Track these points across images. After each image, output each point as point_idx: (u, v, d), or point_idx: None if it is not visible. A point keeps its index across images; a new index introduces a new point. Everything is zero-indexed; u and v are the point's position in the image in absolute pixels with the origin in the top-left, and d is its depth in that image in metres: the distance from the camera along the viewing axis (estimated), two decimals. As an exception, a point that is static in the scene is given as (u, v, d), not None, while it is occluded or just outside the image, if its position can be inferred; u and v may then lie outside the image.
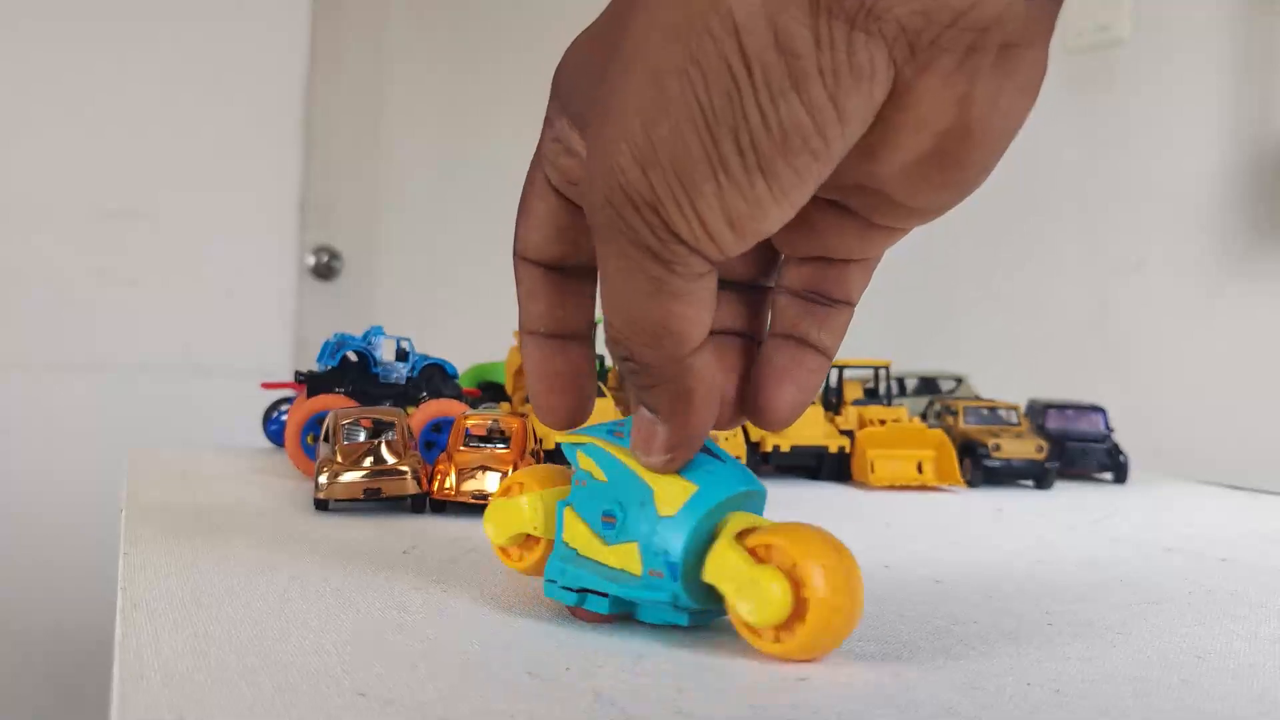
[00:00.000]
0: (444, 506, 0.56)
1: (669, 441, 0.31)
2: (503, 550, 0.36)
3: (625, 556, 0.31)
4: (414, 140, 2.10)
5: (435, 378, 0.72)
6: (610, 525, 0.31)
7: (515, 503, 0.35)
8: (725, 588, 0.30)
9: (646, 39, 0.26)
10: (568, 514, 0.33)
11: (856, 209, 0.31)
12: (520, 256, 0.34)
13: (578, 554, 0.32)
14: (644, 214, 0.27)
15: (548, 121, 0.32)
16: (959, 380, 0.97)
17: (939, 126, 0.26)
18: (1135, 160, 1.45)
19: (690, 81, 0.25)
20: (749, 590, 0.30)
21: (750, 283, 0.34)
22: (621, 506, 0.31)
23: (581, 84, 0.30)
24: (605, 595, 0.32)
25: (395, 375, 0.70)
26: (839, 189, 0.29)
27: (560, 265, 0.34)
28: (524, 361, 0.35)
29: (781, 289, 0.33)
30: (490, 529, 0.36)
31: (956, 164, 0.27)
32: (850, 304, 0.33)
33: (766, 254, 0.34)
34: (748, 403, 0.34)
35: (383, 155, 2.08)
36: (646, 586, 0.31)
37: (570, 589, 0.33)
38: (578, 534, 0.32)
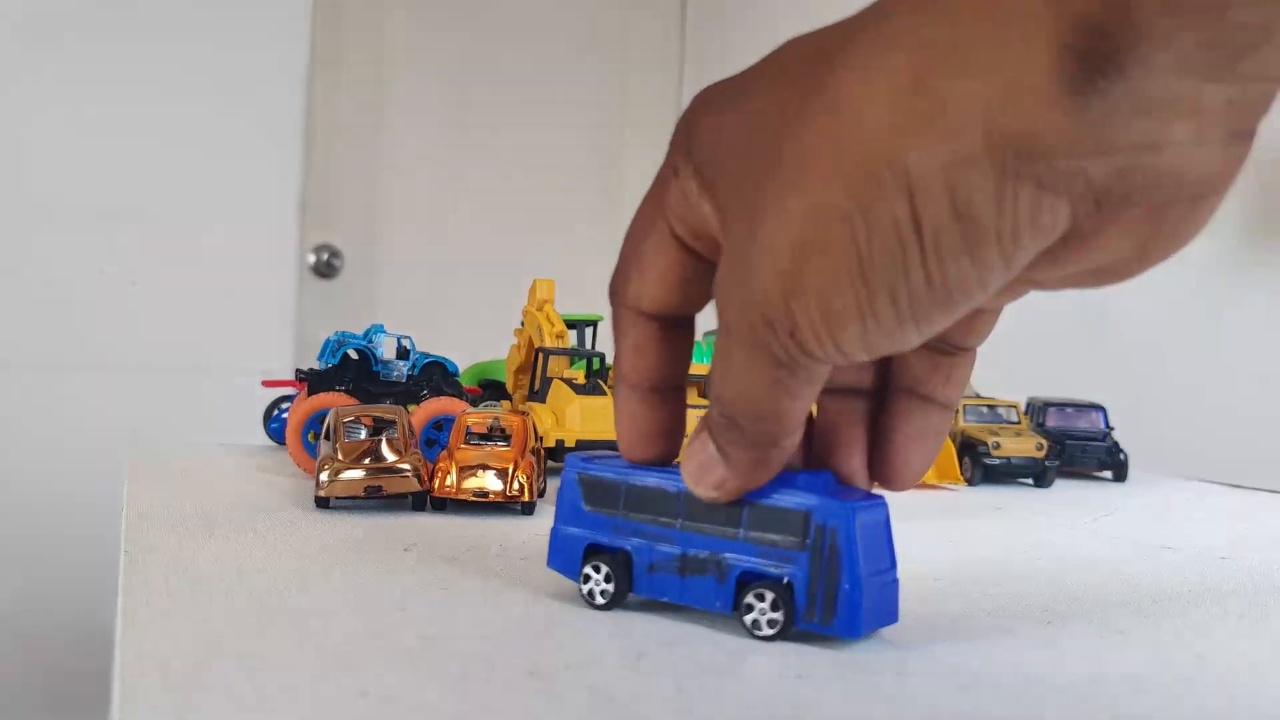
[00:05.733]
0: (445, 504, 0.56)
1: (726, 485, 0.32)
2: None
3: None
4: (414, 140, 2.10)
5: (436, 376, 0.72)
6: None
7: None
8: None
9: (813, 166, 0.25)
10: None
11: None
12: (633, 309, 0.33)
13: None
14: (779, 334, 0.26)
15: (673, 171, 0.31)
16: (959, 379, 0.97)
17: (1110, 259, 0.26)
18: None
19: (853, 230, 0.24)
20: None
21: None
22: None
23: (722, 159, 0.28)
24: None
25: (396, 373, 0.70)
26: None
27: (672, 316, 0.33)
28: (618, 413, 0.35)
29: None
30: None
31: (1114, 277, 0.27)
32: (974, 349, 0.32)
33: None
34: (875, 465, 0.34)
35: (383, 155, 2.08)
36: None
37: None
38: None
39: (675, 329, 0.34)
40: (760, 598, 0.34)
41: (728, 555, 0.34)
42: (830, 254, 0.25)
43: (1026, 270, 0.26)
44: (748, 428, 0.30)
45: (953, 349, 0.32)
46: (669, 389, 0.34)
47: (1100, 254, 0.25)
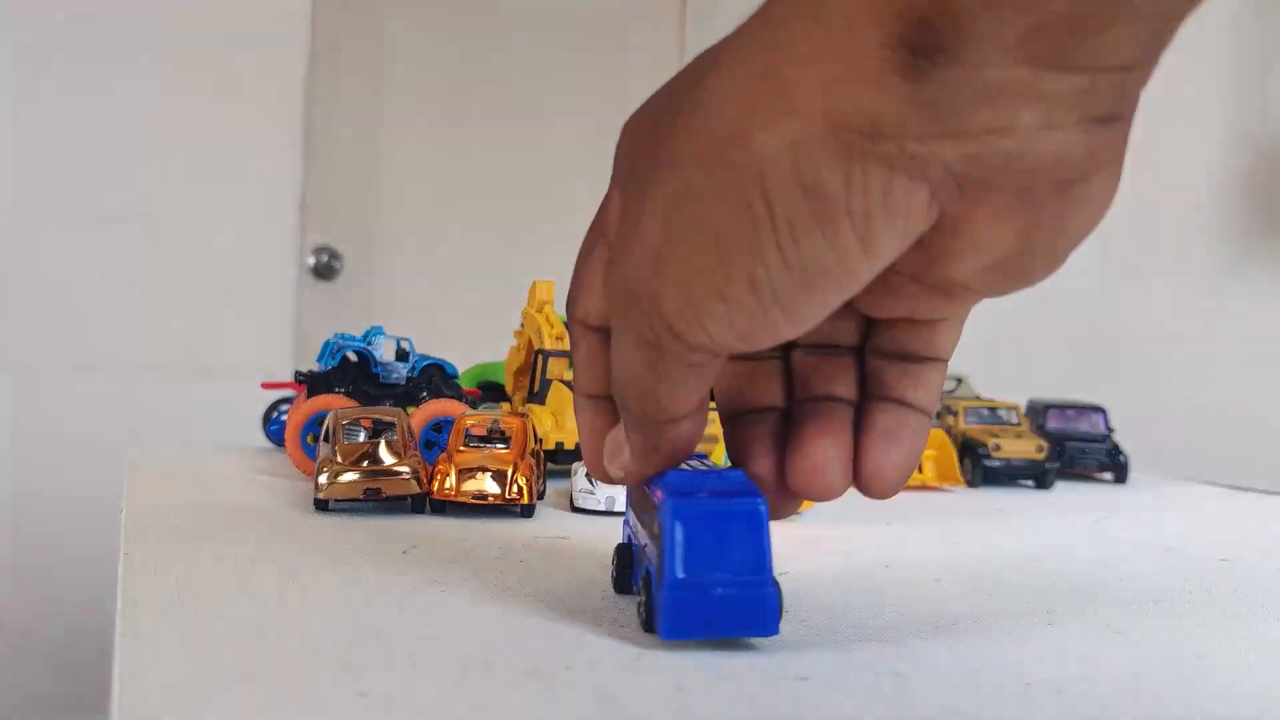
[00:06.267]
0: (444, 507, 0.56)
1: (628, 466, 0.33)
2: None
3: None
4: (414, 140, 2.10)
5: (435, 378, 0.72)
6: None
7: None
8: None
9: (679, 156, 0.26)
10: None
11: (934, 286, 0.29)
12: (580, 323, 0.34)
13: None
14: (649, 315, 0.27)
15: (609, 192, 0.32)
16: (959, 380, 0.97)
17: (998, 251, 0.26)
18: (1134, 160, 1.45)
19: (710, 212, 0.25)
20: None
21: (844, 346, 0.33)
22: None
23: (634, 164, 0.30)
24: None
25: (395, 375, 0.70)
26: (910, 276, 0.28)
27: None
28: (578, 421, 0.35)
29: (873, 350, 0.33)
30: None
31: (1022, 273, 0.27)
32: (943, 360, 0.32)
33: (856, 319, 0.33)
34: (858, 479, 0.33)
35: (383, 155, 2.08)
36: None
37: None
38: None
39: None
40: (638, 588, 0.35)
41: (645, 546, 0.35)
42: (691, 236, 0.26)
43: (929, 266, 0.27)
44: (632, 407, 0.31)
45: (919, 358, 0.32)
46: None
47: (985, 244, 0.26)
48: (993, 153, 0.23)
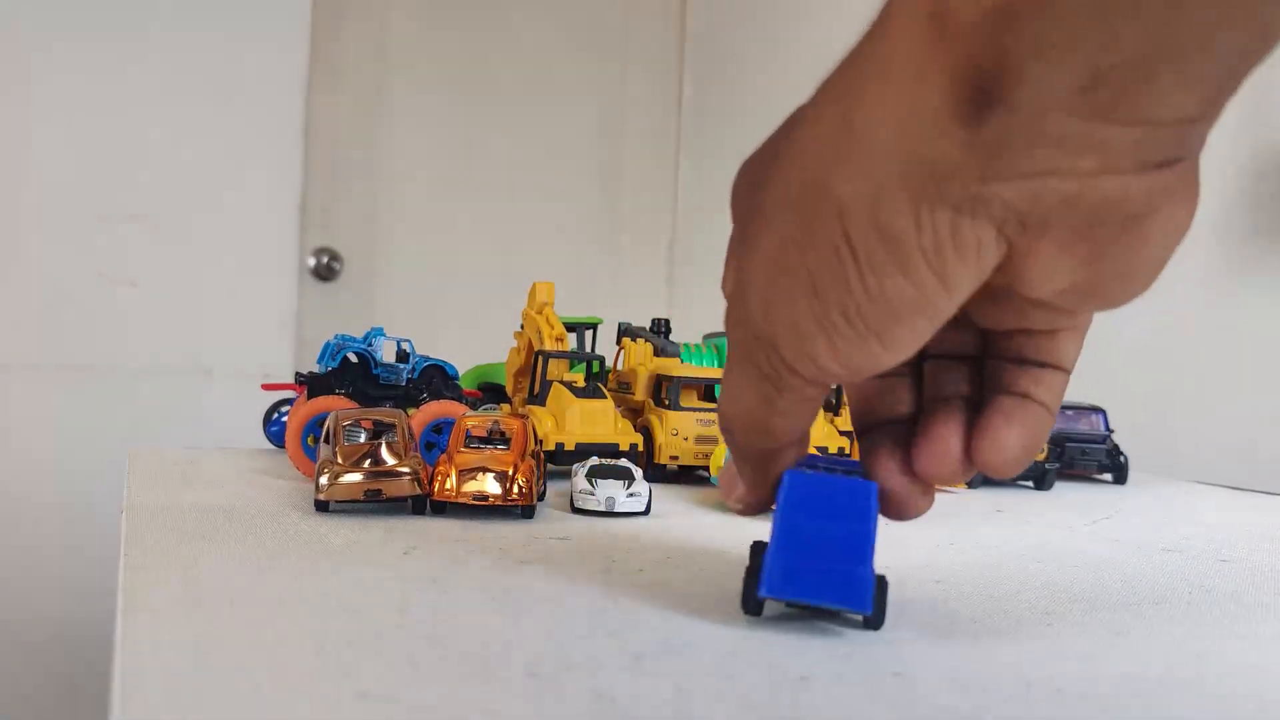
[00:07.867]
0: (444, 508, 0.56)
1: (745, 499, 0.36)
2: None
3: None
4: (414, 142, 2.10)
5: (436, 379, 0.72)
6: None
7: None
8: None
9: (778, 204, 0.29)
10: None
11: (1032, 301, 0.30)
12: None
13: None
14: (764, 349, 0.30)
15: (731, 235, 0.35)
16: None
17: (1067, 280, 0.27)
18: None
19: (804, 253, 0.28)
20: None
21: (968, 356, 0.35)
22: None
23: (741, 215, 0.32)
24: None
25: (396, 376, 0.70)
26: (1008, 294, 0.29)
27: None
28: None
29: (993, 355, 0.34)
30: None
31: (1101, 297, 0.28)
32: (1064, 369, 0.33)
33: (975, 330, 0.34)
34: (976, 450, 0.33)
35: (383, 157, 2.08)
36: None
37: None
38: None
39: None
40: None
41: None
42: (790, 276, 0.28)
43: (1012, 293, 0.28)
44: (740, 440, 0.34)
45: (1039, 364, 0.33)
46: None
47: (1052, 273, 0.27)
48: (1050, 192, 0.25)
